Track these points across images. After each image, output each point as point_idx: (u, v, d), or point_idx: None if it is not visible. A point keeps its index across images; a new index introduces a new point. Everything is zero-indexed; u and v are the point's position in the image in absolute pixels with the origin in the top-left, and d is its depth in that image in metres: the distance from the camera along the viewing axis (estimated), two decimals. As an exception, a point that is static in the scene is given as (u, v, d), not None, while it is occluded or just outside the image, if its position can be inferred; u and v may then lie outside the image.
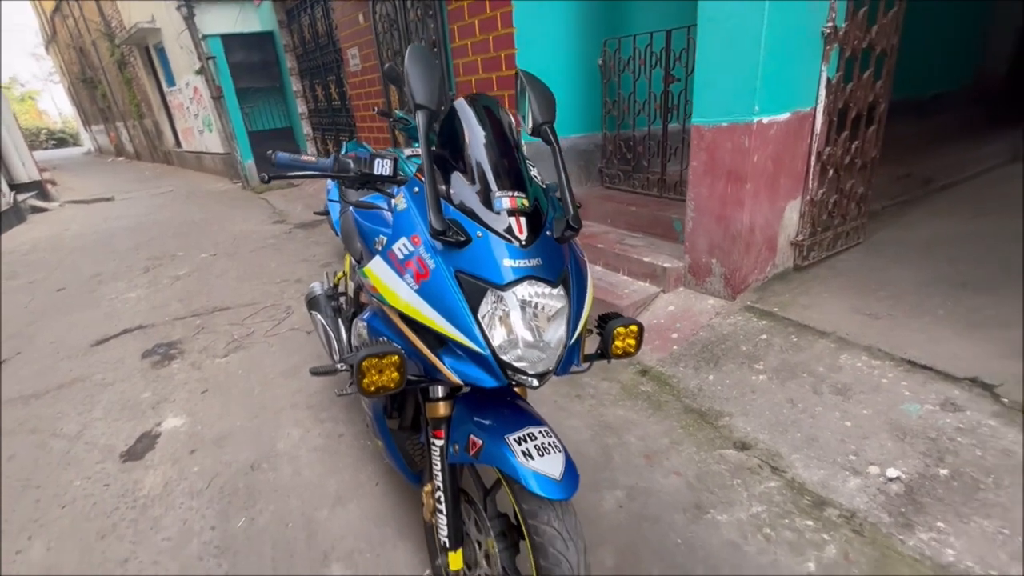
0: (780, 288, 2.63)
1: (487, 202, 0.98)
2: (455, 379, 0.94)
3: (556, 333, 0.96)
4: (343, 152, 4.02)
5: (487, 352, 0.91)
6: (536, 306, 0.93)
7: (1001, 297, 2.26)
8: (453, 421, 1.12)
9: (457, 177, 1.02)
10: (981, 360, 1.90)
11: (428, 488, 1.22)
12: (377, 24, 4.83)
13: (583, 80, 3.70)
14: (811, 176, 2.56)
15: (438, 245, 0.96)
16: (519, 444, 0.99)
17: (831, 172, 2.62)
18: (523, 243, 0.96)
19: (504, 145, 1.04)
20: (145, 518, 1.81)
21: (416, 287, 0.95)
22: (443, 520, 1.14)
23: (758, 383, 2.10)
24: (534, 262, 0.95)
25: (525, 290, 0.93)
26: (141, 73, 12.51)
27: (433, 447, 1.14)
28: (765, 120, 2.26)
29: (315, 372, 1.87)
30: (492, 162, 1.01)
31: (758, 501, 1.64)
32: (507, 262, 0.94)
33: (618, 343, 1.11)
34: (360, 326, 1.15)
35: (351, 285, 1.84)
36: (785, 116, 2.33)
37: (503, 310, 0.92)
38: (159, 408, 2.47)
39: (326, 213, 2.71)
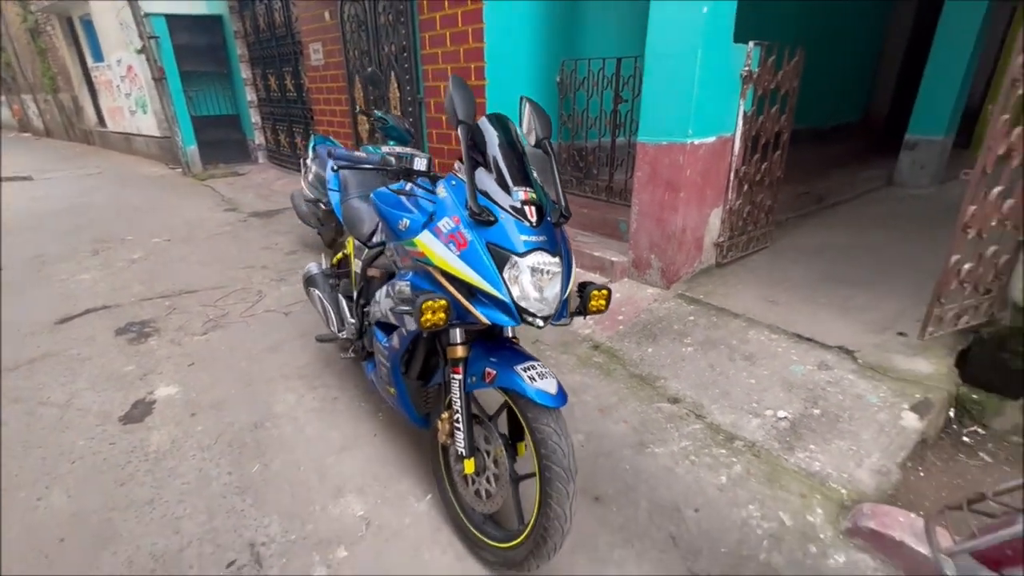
0: (705, 280, 3.19)
1: (507, 193, 1.35)
2: (484, 319, 1.30)
3: (554, 290, 1.34)
4: (311, 145, 4.20)
5: (509, 300, 1.28)
6: (542, 270, 1.31)
7: (865, 291, 2.92)
8: (469, 360, 1.47)
9: (482, 173, 1.37)
10: (847, 334, 2.50)
11: (445, 415, 1.56)
12: (345, 24, 5.01)
13: (542, 95, 4.12)
14: (730, 189, 3.13)
15: (472, 223, 1.32)
16: (524, 372, 1.36)
17: (746, 187, 3.21)
18: (533, 224, 1.33)
19: (516, 152, 1.41)
20: (160, 468, 2.00)
21: (458, 253, 1.30)
22: (460, 435, 1.49)
23: (686, 353, 2.60)
24: (541, 238, 1.33)
25: (535, 258, 1.30)
26: (60, 44, 11.59)
27: (453, 380, 1.49)
28: (696, 142, 2.78)
29: (320, 339, 2.17)
30: (508, 164, 1.38)
31: (685, 439, 2.11)
32: (523, 237, 1.31)
33: (593, 303, 1.50)
34: (401, 284, 1.46)
35: (357, 263, 2.11)
36: (712, 139, 2.87)
37: (520, 271, 1.29)
38: (147, 379, 2.60)
39: (316, 202, 2.93)
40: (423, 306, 1.24)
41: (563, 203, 1.45)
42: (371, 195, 1.87)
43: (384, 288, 1.63)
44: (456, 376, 1.48)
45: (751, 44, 2.81)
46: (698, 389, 2.37)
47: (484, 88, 3.79)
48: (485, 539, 1.56)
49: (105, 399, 2.44)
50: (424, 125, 4.52)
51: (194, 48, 7.87)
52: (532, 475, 1.45)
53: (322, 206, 3.86)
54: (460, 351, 1.47)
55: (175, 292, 3.67)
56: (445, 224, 1.34)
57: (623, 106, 3.71)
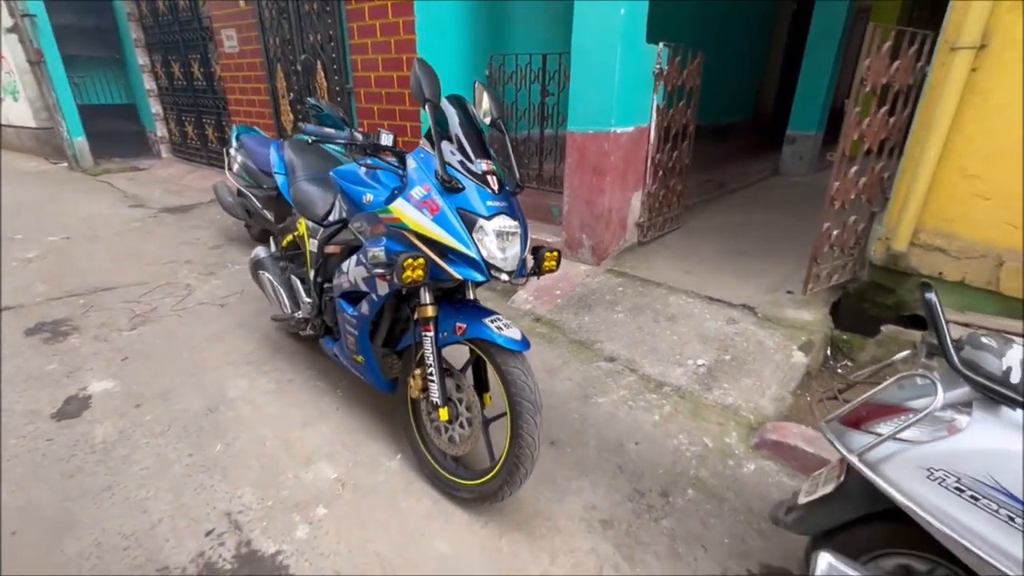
0: (629, 256, 3.54)
1: (470, 164, 1.52)
2: (457, 276, 1.47)
3: (514, 250, 1.54)
4: (234, 136, 4.08)
5: (479, 257, 1.45)
6: (505, 232, 1.50)
7: (760, 260, 3.42)
8: (439, 318, 1.63)
9: (447, 146, 1.53)
10: (748, 295, 2.94)
11: (417, 372, 1.70)
12: (263, 10, 4.85)
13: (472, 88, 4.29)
14: (648, 175, 3.50)
15: (442, 191, 1.48)
16: (492, 323, 1.55)
17: (660, 173, 3.60)
18: (496, 191, 1.52)
19: (475, 129, 1.59)
20: (112, 458, 1.94)
21: (431, 217, 1.46)
22: (435, 387, 1.64)
23: (618, 319, 2.92)
24: (503, 204, 1.52)
25: (499, 221, 1.49)
26: None
27: (425, 337, 1.64)
28: (619, 130, 3.11)
29: (276, 319, 2.22)
30: (469, 139, 1.55)
31: (623, 389, 2.41)
32: (489, 203, 1.49)
33: (546, 263, 1.71)
34: (375, 250, 1.57)
35: (312, 243, 2.16)
36: (631, 129, 3.21)
37: (486, 233, 1.47)
38: (76, 376, 2.46)
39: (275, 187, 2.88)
40: (404, 263, 1.38)
41: (517, 176, 1.65)
42: (331, 173, 1.96)
43: (353, 258, 1.74)
44: (428, 333, 1.63)
45: (661, 45, 3.18)
46: (630, 348, 2.68)
47: (417, 79, 3.88)
48: (460, 480, 1.73)
49: (30, 398, 2.28)
50: (355, 115, 4.51)
51: (80, 30, 7.13)
52: (500, 416, 1.64)
53: (255, 193, 3.77)
54: (430, 310, 1.62)
55: (89, 290, 3.41)
56: (417, 192, 1.49)
57: (550, 99, 3.98)
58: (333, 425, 2.14)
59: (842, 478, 1.21)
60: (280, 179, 2.47)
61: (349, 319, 1.86)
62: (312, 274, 2.19)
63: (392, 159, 1.70)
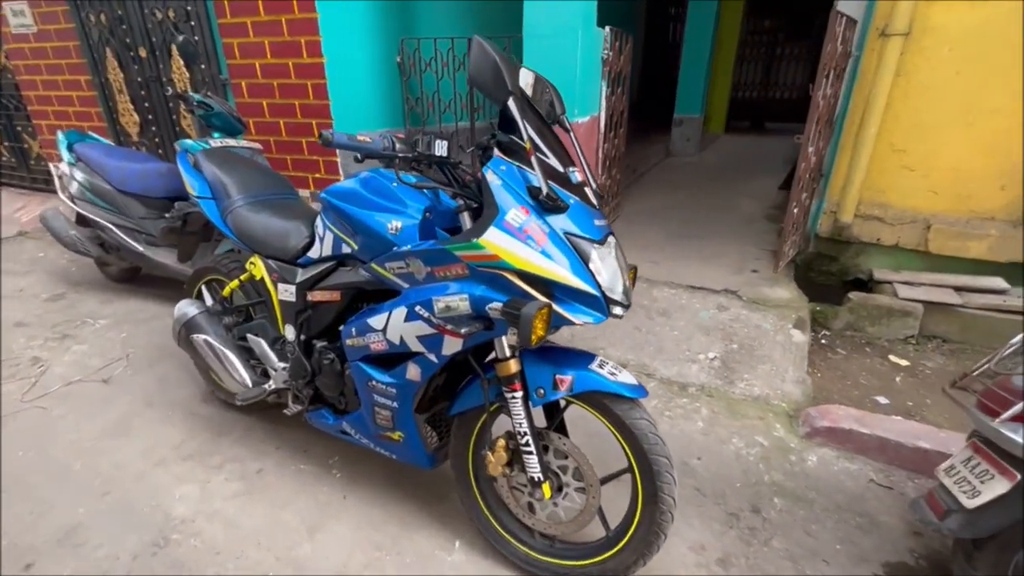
0: (591, 252, 3.40)
1: (564, 175, 1.19)
2: (576, 320, 1.13)
3: (625, 277, 1.25)
4: (63, 147, 3.10)
5: (599, 293, 1.14)
6: (619, 257, 1.21)
7: (707, 241, 3.53)
8: (528, 372, 1.28)
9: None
10: (722, 278, 2.99)
11: (500, 443, 1.33)
12: (75, -23, 3.66)
13: (385, 76, 3.75)
14: (599, 163, 3.38)
15: (541, 212, 1.13)
16: (600, 369, 1.26)
17: (607, 163, 3.51)
18: (596, 206, 1.21)
19: (548, 127, 1.25)
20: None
21: (540, 249, 1.10)
22: (533, 460, 1.30)
23: (610, 321, 2.75)
24: (606, 222, 1.22)
25: (612, 244, 1.19)
26: None
27: (512, 400, 1.28)
28: (579, 121, 2.91)
29: (244, 401, 1.64)
30: (547, 141, 1.21)
31: (652, 398, 2.25)
32: (597, 222, 1.18)
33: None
34: (450, 300, 1.14)
35: (286, 289, 1.58)
36: (587, 119, 3.04)
37: (602, 261, 1.16)
38: None
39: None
40: (536, 316, 1.02)
41: (594, 183, 1.35)
42: (322, 195, 1.45)
43: (396, 311, 1.27)
44: (516, 394, 1.28)
45: (607, 29, 3.03)
46: (636, 351, 2.54)
47: (323, 67, 3.24)
48: (567, 562, 1.41)
49: None
50: (235, 113, 3.66)
51: None
52: (615, 476, 1.36)
53: (117, 223, 2.84)
54: (513, 366, 1.27)
55: None
56: (514, 217, 1.11)
57: (479, 88, 3.63)
58: (350, 522, 1.65)
59: (1020, 478, 1.17)
60: (206, 205, 1.81)
61: (382, 388, 1.40)
62: (290, 331, 1.63)
63: (406, 175, 1.28)
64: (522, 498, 1.41)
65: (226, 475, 1.82)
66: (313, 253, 1.55)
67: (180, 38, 2.41)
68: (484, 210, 1.16)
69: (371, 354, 1.40)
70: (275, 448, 1.96)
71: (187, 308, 1.82)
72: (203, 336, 1.78)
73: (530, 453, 1.30)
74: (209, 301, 1.87)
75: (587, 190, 1.23)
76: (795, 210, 2.88)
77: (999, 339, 2.47)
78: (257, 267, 1.68)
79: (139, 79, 3.85)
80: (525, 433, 1.29)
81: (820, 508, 1.72)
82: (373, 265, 1.33)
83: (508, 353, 1.27)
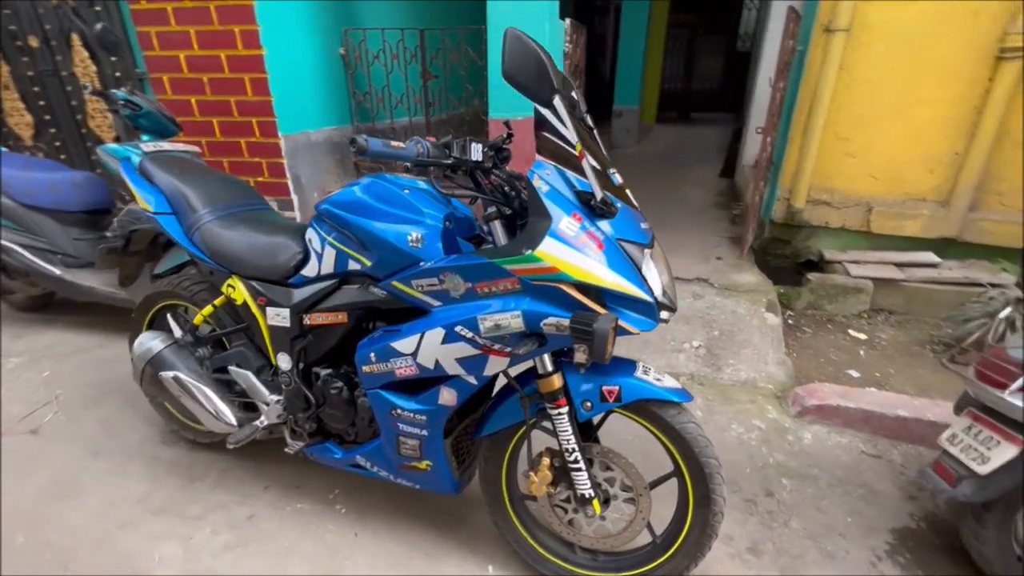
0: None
1: (607, 176, 1.13)
2: (634, 330, 1.08)
3: (672, 281, 1.21)
4: None
5: (652, 299, 1.09)
6: (666, 261, 1.17)
7: (668, 231, 3.63)
8: (571, 385, 1.22)
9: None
10: (690, 267, 3.08)
11: (546, 461, 1.26)
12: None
13: (328, 69, 3.48)
14: (563, 159, 3.35)
15: (592, 218, 1.06)
16: (645, 376, 1.22)
17: (569, 156, 3.49)
18: (638, 208, 1.17)
19: (585, 126, 1.19)
20: None
21: (598, 257, 1.03)
22: (583, 475, 1.24)
23: (593, 317, 2.75)
24: (648, 225, 1.18)
25: (659, 248, 1.15)
26: None
27: (558, 416, 1.21)
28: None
29: (237, 443, 1.46)
30: (588, 144, 1.15)
31: (646, 391, 2.27)
32: (642, 225, 1.14)
33: None
34: (501, 317, 1.04)
35: (277, 313, 1.39)
36: (553, 113, 2.99)
37: (654, 265, 1.12)
38: None
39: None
40: (610, 331, 0.95)
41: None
42: (323, 206, 1.29)
43: (433, 333, 1.15)
44: (561, 410, 1.21)
45: (567, 21, 2.99)
46: (625, 345, 2.55)
47: (262, 59, 2.95)
48: (613, 574, 1.37)
49: None
50: (156, 112, 3.24)
51: None
52: (662, 481, 1.33)
53: (26, 243, 2.43)
54: (556, 381, 1.21)
55: None
56: (568, 225, 1.03)
57: (434, 83, 3.48)
58: (368, 562, 1.50)
59: (1025, 441, 1.28)
60: (165, 221, 1.56)
61: (409, 417, 1.28)
62: (284, 359, 1.45)
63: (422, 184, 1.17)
64: (564, 515, 1.35)
65: (211, 526, 1.60)
66: (308, 271, 1.38)
67: (98, 27, 2.06)
68: (530, 218, 1.07)
69: (394, 381, 1.27)
70: (263, 488, 1.75)
71: (151, 342, 1.57)
72: (173, 373, 1.54)
73: (579, 470, 1.24)
74: (177, 332, 1.61)
75: (628, 192, 1.18)
76: (757, 198, 3.02)
77: (938, 308, 2.73)
78: (237, 290, 1.47)
79: (30, 73, 3.30)
80: (573, 450, 1.23)
81: (825, 484, 1.80)
82: (395, 283, 1.20)
83: (551, 368, 1.20)
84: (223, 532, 1.59)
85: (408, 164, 1.07)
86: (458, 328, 1.12)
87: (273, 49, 2.96)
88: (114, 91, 2.23)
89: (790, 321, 2.84)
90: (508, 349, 1.09)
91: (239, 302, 1.48)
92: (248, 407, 1.64)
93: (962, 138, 2.80)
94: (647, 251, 1.11)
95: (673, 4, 7.62)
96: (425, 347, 1.18)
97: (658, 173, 5.15)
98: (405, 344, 1.20)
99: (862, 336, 2.68)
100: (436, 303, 1.17)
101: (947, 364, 1.54)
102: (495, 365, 1.15)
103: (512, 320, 1.07)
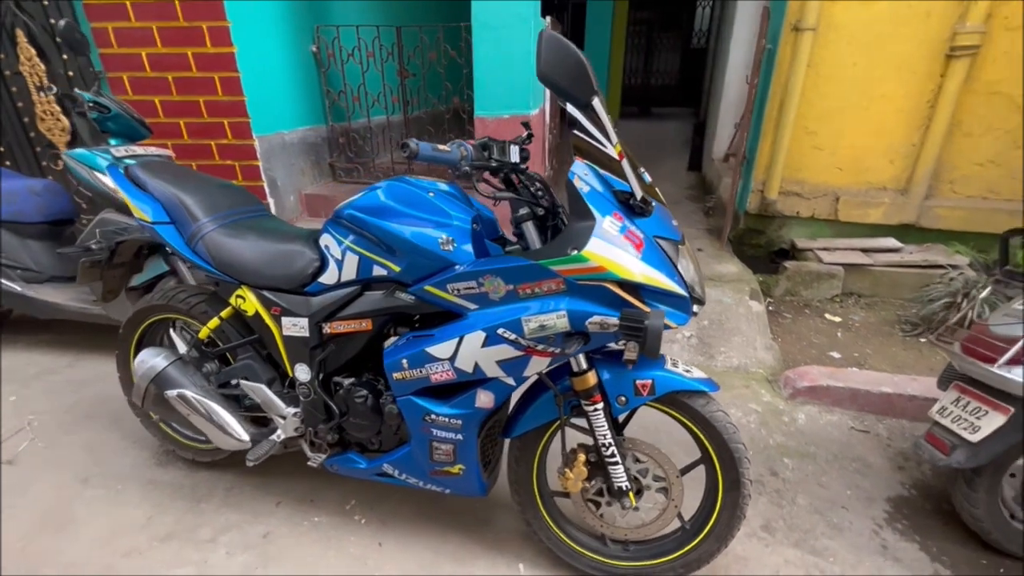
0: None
1: (639, 175, 1.15)
2: (674, 325, 1.11)
3: (701, 271, 1.25)
4: None
5: (687, 294, 1.13)
6: (693, 256, 1.21)
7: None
8: (605, 381, 1.24)
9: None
10: (675, 259, 3.17)
11: (581, 457, 1.28)
12: None
13: (301, 68, 3.36)
14: (545, 155, 3.38)
15: (631, 217, 1.08)
16: (675, 368, 1.26)
17: (551, 151, 3.52)
18: (666, 205, 1.20)
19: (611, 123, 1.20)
20: None
21: (639, 255, 1.05)
22: (619, 469, 1.27)
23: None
24: (676, 221, 1.21)
25: (688, 244, 1.19)
26: None
27: (595, 412, 1.23)
28: (534, 113, 2.87)
29: (256, 460, 1.42)
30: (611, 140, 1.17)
31: (646, 382, 2.33)
32: (673, 222, 1.17)
33: None
34: (546, 317, 1.04)
35: (294, 323, 1.34)
36: (538, 111, 3.01)
37: (687, 260, 1.15)
38: None
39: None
40: (662, 328, 0.98)
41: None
42: (346, 211, 1.25)
43: (473, 336, 1.14)
44: (597, 405, 1.23)
45: (548, 18, 3.01)
46: (619, 338, 2.61)
47: (233, 57, 2.82)
48: (646, 562, 1.40)
49: None
50: (115, 113, 3.04)
51: None
52: (690, 468, 1.38)
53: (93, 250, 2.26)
54: (591, 378, 1.23)
55: None
56: (610, 225, 1.05)
57: (412, 81, 3.42)
58: (395, 567, 1.48)
59: (1012, 411, 1.40)
60: (165, 231, 1.47)
61: (444, 421, 1.27)
62: (303, 370, 1.40)
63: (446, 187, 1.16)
64: (597, 509, 1.38)
65: (226, 548, 1.54)
66: (327, 279, 1.34)
67: (62, 23, 1.91)
68: (571, 219, 1.08)
69: (428, 387, 1.25)
70: (275, 505, 1.69)
71: (153, 360, 1.48)
72: (179, 391, 1.46)
73: (616, 463, 1.27)
74: (182, 347, 1.53)
75: (657, 190, 1.21)
76: (736, 190, 3.14)
77: (902, 290, 2.92)
78: (248, 301, 1.41)
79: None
80: (610, 444, 1.25)
81: (823, 460, 1.91)
82: (429, 288, 1.18)
83: (585, 366, 1.22)
84: (239, 553, 1.53)
85: (451, 169, 1.06)
86: (500, 330, 1.12)
87: (244, 46, 2.84)
88: (82, 93, 2.08)
89: (771, 308, 2.97)
90: (552, 349, 1.10)
91: (250, 313, 1.42)
92: (257, 421, 1.58)
93: (918, 130, 3.00)
94: (680, 247, 1.14)
95: (632, 1, 7.79)
96: (464, 351, 1.17)
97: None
98: (441, 349, 1.19)
99: (837, 319, 2.84)
100: (472, 306, 1.17)
101: (936, 342, 1.66)
102: (536, 366, 1.16)
103: (557, 320, 1.08)
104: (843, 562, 1.52)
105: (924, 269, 2.91)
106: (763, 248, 3.49)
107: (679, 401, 1.27)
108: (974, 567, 1.51)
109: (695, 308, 1.19)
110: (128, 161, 2.22)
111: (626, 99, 8.85)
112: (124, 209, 2.15)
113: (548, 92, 3.20)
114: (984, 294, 1.65)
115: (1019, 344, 1.37)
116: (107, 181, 2.16)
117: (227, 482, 1.78)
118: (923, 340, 2.58)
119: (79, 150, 2.11)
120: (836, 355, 2.51)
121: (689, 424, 1.30)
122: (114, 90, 2.97)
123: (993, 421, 1.41)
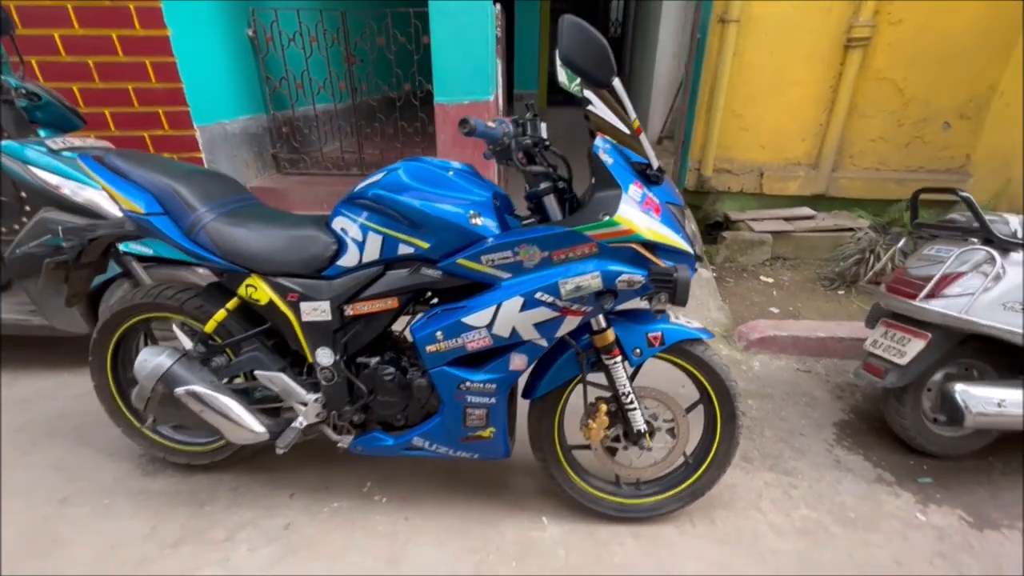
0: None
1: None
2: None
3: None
4: None
5: (693, 251, 1.29)
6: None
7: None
8: (621, 336, 1.38)
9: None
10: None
11: (603, 407, 1.42)
12: None
13: (239, 53, 3.18)
14: (499, 142, 3.46)
15: (648, 185, 1.22)
16: (678, 320, 1.43)
17: (502, 139, 3.61)
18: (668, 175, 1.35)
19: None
20: None
21: (658, 218, 1.19)
22: (637, 413, 1.42)
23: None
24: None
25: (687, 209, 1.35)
26: None
27: (614, 366, 1.37)
28: (488, 99, 2.94)
29: (286, 447, 1.44)
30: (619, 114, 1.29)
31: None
32: (676, 190, 1.32)
33: None
34: (581, 279, 1.14)
35: (312, 307, 1.32)
36: (493, 97, 3.08)
37: (689, 223, 1.31)
38: None
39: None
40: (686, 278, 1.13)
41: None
42: (373, 191, 1.28)
43: (511, 302, 1.21)
44: (616, 359, 1.38)
45: (498, 6, 3.08)
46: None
47: (167, 41, 2.61)
48: (655, 497, 1.58)
49: None
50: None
51: None
52: (692, 408, 1.55)
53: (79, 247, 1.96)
54: (610, 335, 1.37)
55: None
56: (634, 192, 1.18)
57: (360, 67, 3.35)
58: (431, 539, 1.54)
59: (930, 336, 1.71)
60: (160, 222, 1.39)
61: (479, 387, 1.34)
62: (324, 354, 1.41)
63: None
64: (614, 456, 1.52)
65: (247, 545, 1.51)
66: (346, 262, 1.35)
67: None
68: (598, 188, 1.20)
69: (462, 356, 1.32)
70: (289, 497, 1.68)
71: (157, 359, 1.40)
72: (187, 387, 1.40)
73: (634, 409, 1.41)
74: (187, 343, 1.45)
75: (661, 162, 1.35)
76: (673, 169, 3.41)
77: (819, 251, 3.35)
78: (260, 290, 1.39)
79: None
80: (630, 392, 1.40)
81: (778, 399, 2.20)
82: (461, 261, 1.25)
83: (604, 324, 1.35)
84: (263, 547, 1.51)
85: (490, 146, 1.13)
86: (538, 294, 1.21)
87: (179, 29, 2.65)
88: (7, 79, 1.87)
89: (715, 274, 3.30)
90: (585, 308, 1.22)
91: (263, 302, 1.40)
92: (266, 413, 1.55)
93: (824, 112, 3.44)
94: (687, 211, 1.30)
95: (551, -7, 8.01)
96: (502, 317, 1.25)
97: (571, 153, 5.46)
98: (478, 318, 1.27)
99: (770, 280, 3.21)
100: (506, 275, 1.25)
101: (864, 286, 1.98)
102: (567, 326, 1.27)
103: (592, 280, 1.19)
104: (809, 477, 1.80)
105: (835, 233, 3.36)
106: (701, 222, 3.83)
107: (683, 349, 1.44)
108: (906, 468, 1.85)
109: (697, 265, 1.36)
110: (67, 154, 2.04)
111: (551, 88, 9.08)
112: (66, 206, 1.99)
113: (499, 76, 3.28)
114: (900, 244, 1.99)
115: (932, 282, 1.68)
116: (45, 176, 1.97)
117: (230, 483, 1.73)
118: (840, 292, 3.01)
119: (7, 142, 1.90)
120: (775, 310, 2.86)
121: (691, 369, 1.47)
122: (26, 76, 2.64)
123: (916, 346, 1.73)
